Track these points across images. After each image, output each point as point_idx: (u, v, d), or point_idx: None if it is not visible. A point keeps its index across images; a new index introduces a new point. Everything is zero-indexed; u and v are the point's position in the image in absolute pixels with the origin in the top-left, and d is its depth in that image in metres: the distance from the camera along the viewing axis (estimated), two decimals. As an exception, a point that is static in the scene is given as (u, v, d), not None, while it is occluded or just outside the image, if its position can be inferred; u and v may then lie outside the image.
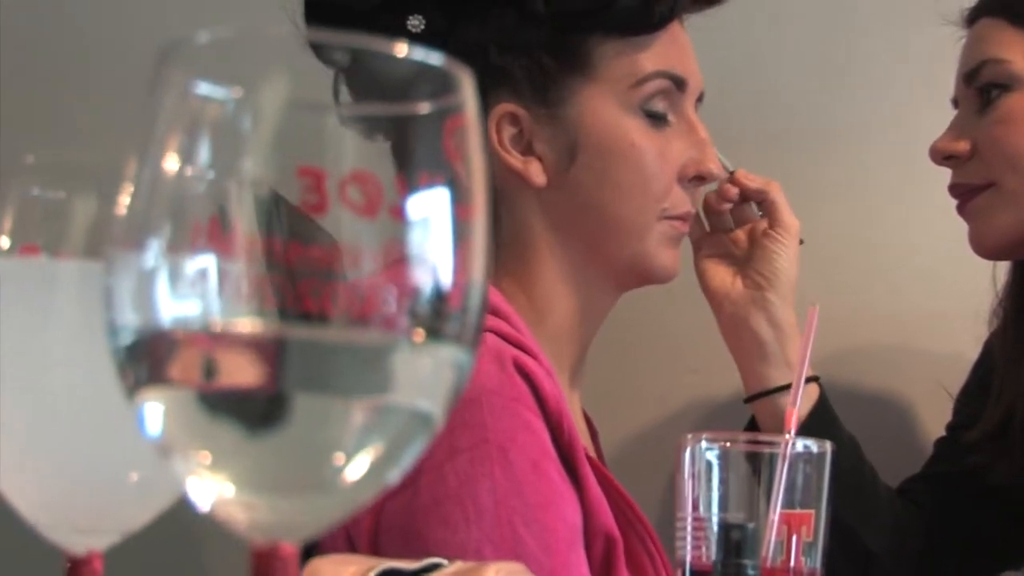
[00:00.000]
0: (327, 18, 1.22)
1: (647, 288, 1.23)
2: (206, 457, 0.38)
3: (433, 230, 0.39)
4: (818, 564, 0.77)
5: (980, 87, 1.29)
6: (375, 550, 1.05)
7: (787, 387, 1.28)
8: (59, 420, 0.50)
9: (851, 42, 1.62)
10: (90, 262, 0.51)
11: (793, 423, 0.79)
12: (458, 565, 0.67)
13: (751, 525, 0.70)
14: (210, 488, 0.39)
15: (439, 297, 0.39)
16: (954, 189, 1.32)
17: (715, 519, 0.77)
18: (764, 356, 1.29)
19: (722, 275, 1.32)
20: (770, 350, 1.29)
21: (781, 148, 1.59)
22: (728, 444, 0.78)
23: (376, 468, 0.39)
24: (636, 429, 1.60)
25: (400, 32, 1.19)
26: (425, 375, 0.39)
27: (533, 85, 1.17)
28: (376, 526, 1.05)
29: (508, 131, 1.18)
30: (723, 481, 0.78)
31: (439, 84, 0.41)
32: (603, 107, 1.18)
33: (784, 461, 0.77)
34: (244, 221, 0.40)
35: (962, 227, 1.33)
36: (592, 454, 1.18)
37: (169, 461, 0.40)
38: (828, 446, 0.78)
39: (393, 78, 0.41)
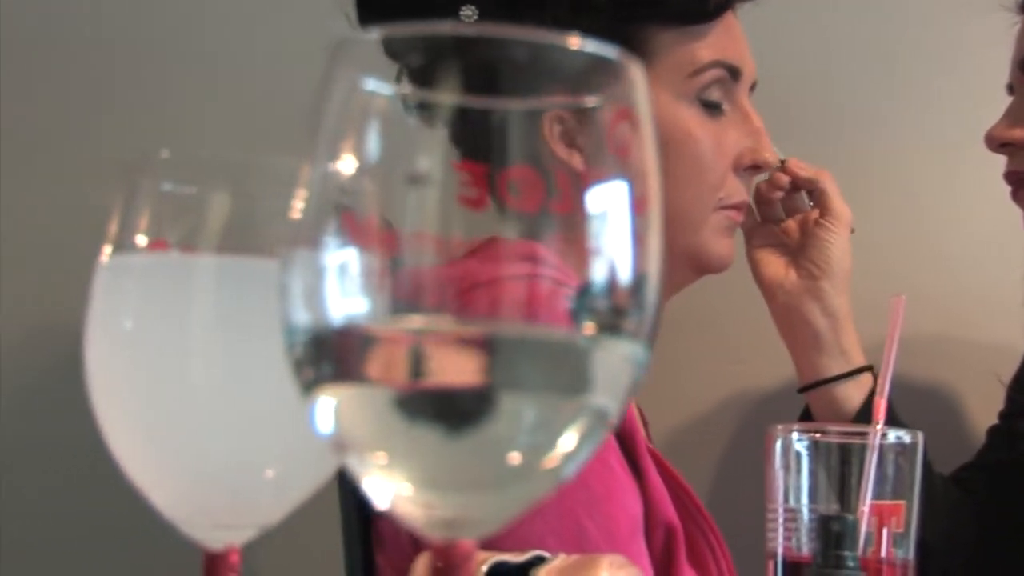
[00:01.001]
0: (380, 9, 1.22)
1: (692, 278, 1.23)
2: (387, 455, 0.38)
3: (609, 224, 0.39)
4: (910, 555, 0.77)
5: (1036, 74, 1.29)
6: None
7: (841, 376, 1.28)
8: (198, 416, 0.50)
9: (903, 29, 1.62)
10: (227, 257, 0.51)
11: (881, 413, 0.79)
12: (570, 557, 0.67)
13: (851, 517, 0.70)
14: (389, 486, 0.38)
15: (617, 292, 0.39)
16: (1009, 176, 1.31)
17: (805, 510, 0.77)
18: (818, 345, 1.29)
19: (775, 265, 1.32)
20: (824, 339, 1.29)
21: (829, 136, 1.59)
22: (819, 435, 0.78)
23: (556, 464, 0.39)
24: (682, 419, 1.60)
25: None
26: (605, 371, 0.39)
27: None
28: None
29: (556, 127, 1.18)
30: (813, 472, 0.78)
31: (609, 76, 0.40)
32: (660, 97, 1.18)
33: (873, 452, 0.77)
34: (414, 217, 0.40)
35: (1014, 214, 1.32)
36: (650, 445, 1.18)
37: (344, 458, 0.39)
38: (920, 436, 0.78)
39: (563, 71, 0.41)
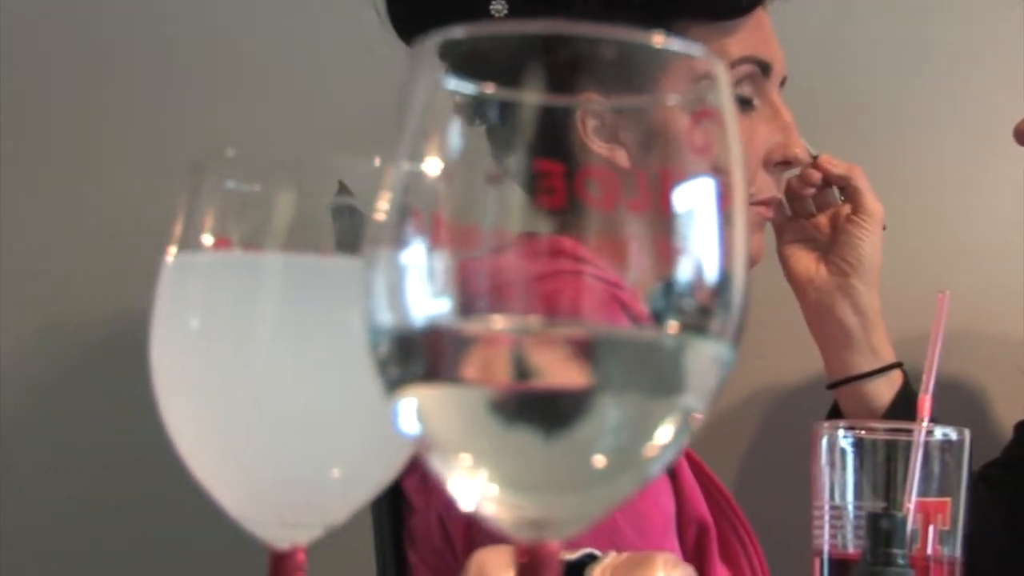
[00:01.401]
0: (410, 3, 1.22)
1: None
2: (477, 456, 0.38)
3: (697, 223, 0.39)
4: (957, 552, 0.76)
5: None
6: (470, 537, 1.05)
7: (871, 374, 1.28)
8: (264, 415, 0.50)
9: (932, 24, 1.61)
10: (292, 255, 0.51)
11: (926, 410, 0.79)
12: (624, 555, 0.67)
13: (900, 514, 0.70)
14: (476, 486, 0.38)
15: (704, 291, 0.39)
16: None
17: (851, 507, 0.77)
18: (848, 343, 1.29)
19: (806, 261, 1.32)
20: (855, 337, 1.28)
21: (856, 132, 1.58)
22: (864, 432, 0.77)
23: (643, 463, 0.39)
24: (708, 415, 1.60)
25: (483, 16, 1.18)
26: (694, 371, 0.38)
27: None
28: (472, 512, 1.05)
29: (591, 122, 1.17)
30: (858, 469, 0.77)
31: (692, 74, 0.40)
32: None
33: (918, 449, 0.77)
34: (493, 216, 0.40)
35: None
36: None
37: (429, 458, 0.39)
38: (966, 433, 0.78)
39: (646, 69, 0.41)
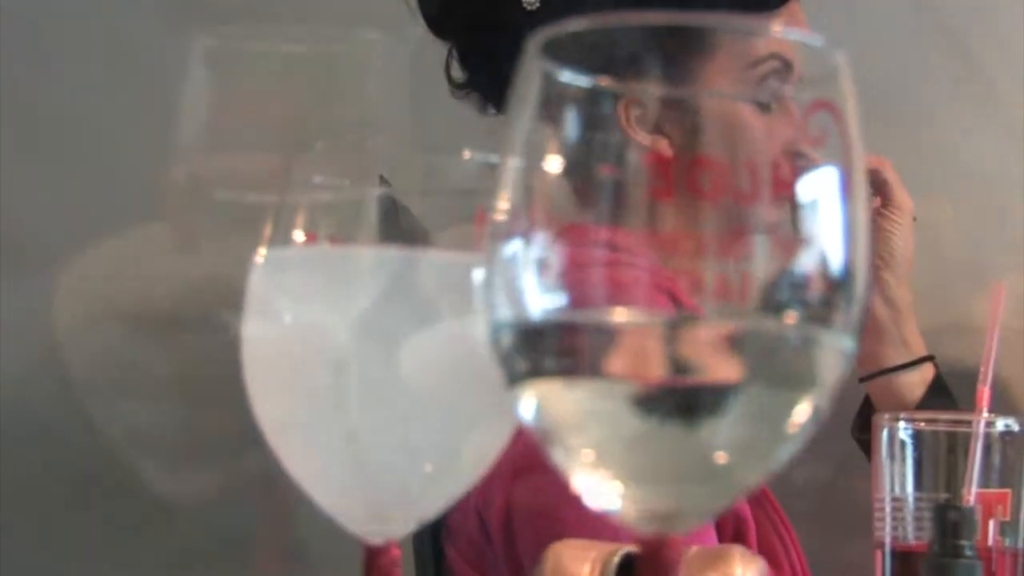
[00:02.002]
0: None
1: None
2: (603, 449, 0.38)
3: (821, 214, 0.39)
4: (1019, 544, 0.76)
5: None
6: (508, 529, 1.05)
7: (904, 366, 1.28)
8: (358, 410, 0.50)
9: (963, 13, 1.61)
10: (384, 250, 0.51)
11: (985, 401, 0.79)
12: (698, 548, 0.66)
13: (968, 506, 0.70)
14: (601, 480, 0.38)
15: (828, 283, 0.38)
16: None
17: (911, 499, 0.77)
18: (880, 336, 1.29)
19: (837, 254, 1.32)
20: (886, 329, 1.28)
21: (888, 124, 1.58)
22: (924, 424, 0.77)
23: (772, 457, 0.39)
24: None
25: (516, 9, 1.18)
26: (824, 365, 0.38)
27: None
28: (510, 506, 1.05)
29: (634, 111, 1.17)
30: (918, 461, 0.77)
31: (810, 64, 0.40)
32: (720, 87, 1.17)
33: (978, 440, 0.77)
34: (607, 209, 0.40)
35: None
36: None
37: (551, 451, 0.39)
38: (1028, 425, 0.78)
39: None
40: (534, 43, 0.40)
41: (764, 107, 1.24)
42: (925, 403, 1.27)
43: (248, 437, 0.55)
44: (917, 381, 1.29)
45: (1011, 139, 1.59)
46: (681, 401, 0.36)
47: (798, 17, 1.22)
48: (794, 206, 0.39)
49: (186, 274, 0.54)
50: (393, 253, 0.50)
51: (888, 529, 0.77)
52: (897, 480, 0.77)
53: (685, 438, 0.36)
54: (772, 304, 0.38)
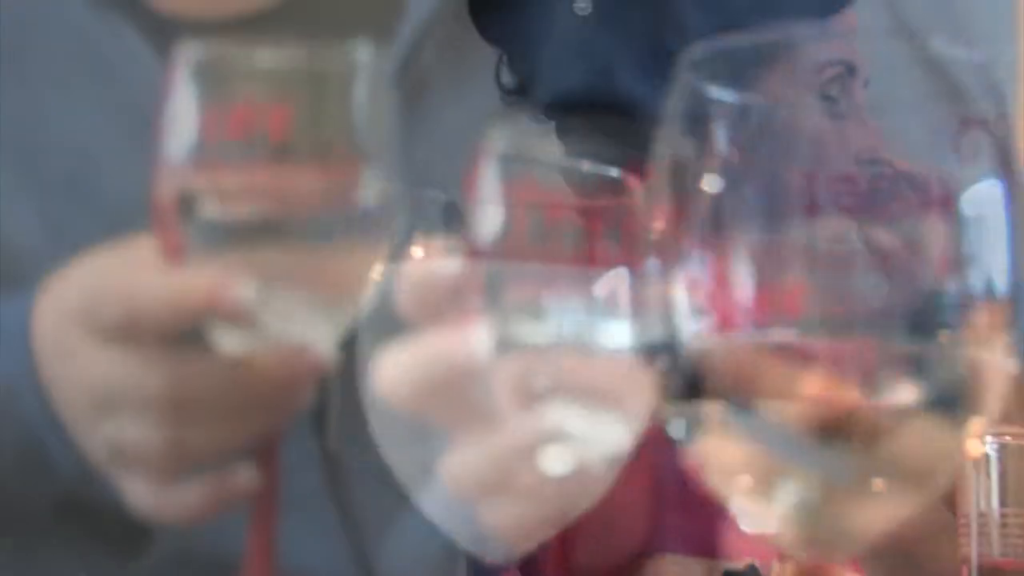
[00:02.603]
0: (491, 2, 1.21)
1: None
2: (774, 475, 0.37)
3: (987, 229, 0.38)
4: (1108, 559, 0.75)
5: None
6: (564, 539, 1.05)
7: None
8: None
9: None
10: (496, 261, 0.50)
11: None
12: (788, 566, 0.65)
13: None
14: (762, 505, 0.37)
15: (997, 303, 0.37)
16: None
17: (996, 514, 0.76)
18: None
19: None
20: None
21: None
22: (1009, 438, 0.76)
23: (936, 480, 0.38)
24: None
25: (567, 15, 1.17)
26: (990, 388, 0.37)
27: None
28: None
29: None
30: (1003, 475, 0.76)
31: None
32: (783, 93, 1.16)
33: (1063, 454, 0.76)
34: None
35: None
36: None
37: (708, 476, 0.38)
38: (1117, 439, 0.77)
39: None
40: (684, 60, 0.40)
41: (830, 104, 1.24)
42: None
43: (235, 456, 0.55)
44: None
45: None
46: (855, 427, 0.35)
47: (854, 21, 1.21)
48: (962, 220, 0.38)
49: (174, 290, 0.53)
50: (505, 264, 0.50)
51: (975, 545, 0.76)
52: (983, 495, 0.76)
53: (855, 464, 0.35)
54: (941, 324, 0.37)
